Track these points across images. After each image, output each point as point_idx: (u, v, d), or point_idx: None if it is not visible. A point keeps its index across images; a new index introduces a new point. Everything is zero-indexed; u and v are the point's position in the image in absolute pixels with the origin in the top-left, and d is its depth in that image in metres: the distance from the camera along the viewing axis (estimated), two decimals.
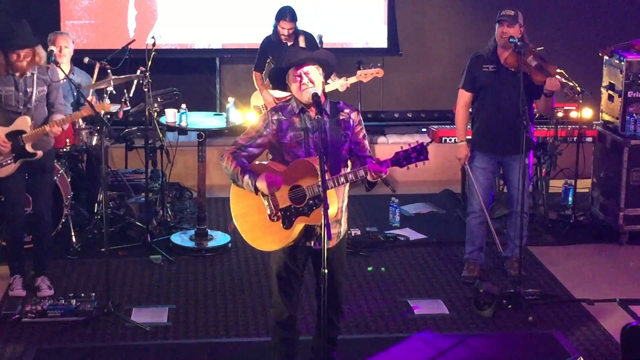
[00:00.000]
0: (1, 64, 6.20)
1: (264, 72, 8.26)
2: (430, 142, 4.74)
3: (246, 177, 4.88)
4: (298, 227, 4.90)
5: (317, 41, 8.31)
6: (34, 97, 6.27)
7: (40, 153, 6.33)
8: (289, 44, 8.06)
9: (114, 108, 7.71)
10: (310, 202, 4.84)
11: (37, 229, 6.57)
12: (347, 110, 5.03)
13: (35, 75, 6.27)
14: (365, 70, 8.04)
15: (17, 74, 6.23)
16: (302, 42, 8.10)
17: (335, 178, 4.81)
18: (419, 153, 4.71)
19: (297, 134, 4.94)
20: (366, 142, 5.07)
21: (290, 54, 5.10)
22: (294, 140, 4.94)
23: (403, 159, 4.73)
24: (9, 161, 6.31)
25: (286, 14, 8.05)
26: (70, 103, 7.60)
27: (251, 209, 5.00)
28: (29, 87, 6.26)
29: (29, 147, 6.28)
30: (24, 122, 6.26)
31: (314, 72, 4.92)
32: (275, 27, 8.08)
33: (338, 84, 7.94)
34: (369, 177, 4.78)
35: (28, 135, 6.25)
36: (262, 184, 4.83)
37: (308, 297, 6.29)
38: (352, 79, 8.06)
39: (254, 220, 4.99)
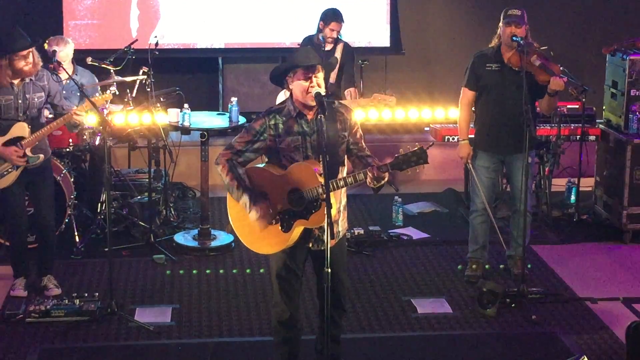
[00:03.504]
0: (7, 73, 6.11)
1: None
2: (431, 145, 4.73)
3: (245, 197, 4.88)
4: (297, 230, 4.90)
5: (321, 40, 8.23)
6: (30, 104, 6.24)
7: (42, 157, 6.32)
8: (328, 48, 7.89)
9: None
10: (309, 205, 4.84)
11: (42, 232, 6.57)
12: (342, 111, 5.03)
13: (32, 82, 6.25)
14: (381, 94, 7.74)
15: (16, 82, 6.19)
16: (339, 50, 7.91)
17: (335, 181, 4.81)
18: (418, 157, 4.71)
19: (294, 139, 4.92)
20: (363, 142, 5.06)
21: (301, 54, 5.05)
22: (291, 145, 4.92)
23: (403, 162, 4.73)
24: (10, 169, 6.26)
25: (338, 15, 7.87)
26: (75, 103, 7.62)
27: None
28: (27, 94, 6.23)
29: (29, 152, 6.26)
30: (21, 129, 6.23)
31: (321, 76, 4.93)
32: (322, 28, 7.86)
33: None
34: (368, 181, 4.78)
35: (28, 140, 6.23)
36: (253, 215, 4.87)
37: (311, 296, 6.29)
38: (366, 100, 7.83)
39: (252, 224, 4.98)
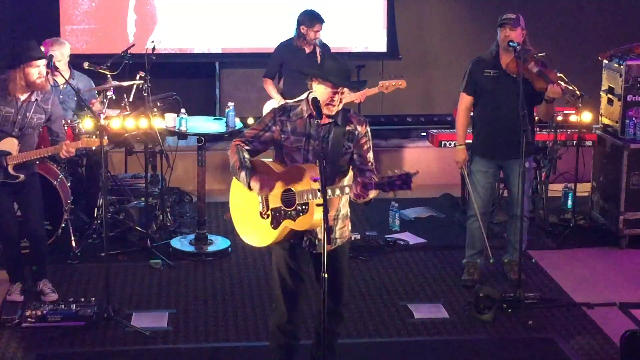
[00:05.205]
0: (20, 84, 6.16)
1: (275, 79, 8.05)
2: (416, 173, 4.71)
3: (243, 173, 4.95)
4: (283, 230, 4.94)
5: (318, 44, 8.23)
6: (28, 123, 6.26)
7: (22, 177, 6.30)
8: (308, 51, 7.90)
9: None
10: (298, 207, 4.87)
11: (32, 242, 6.56)
12: (354, 122, 5.05)
13: (36, 102, 6.28)
14: (387, 81, 7.79)
15: (22, 98, 6.21)
16: (318, 50, 7.90)
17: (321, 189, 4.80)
18: (402, 182, 4.71)
19: (297, 139, 4.96)
20: (370, 155, 5.04)
21: (331, 68, 4.98)
22: (293, 144, 4.97)
23: (387, 184, 4.74)
24: None
25: (319, 16, 7.84)
26: (72, 108, 7.62)
27: (246, 203, 5.06)
28: (27, 112, 6.26)
29: (11, 169, 6.24)
30: (10, 144, 6.24)
31: (346, 92, 4.99)
32: (304, 32, 7.84)
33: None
34: (351, 196, 4.82)
35: (13, 157, 6.23)
36: (255, 184, 4.91)
37: (307, 303, 6.27)
38: (374, 90, 7.87)
39: (247, 214, 5.07)
